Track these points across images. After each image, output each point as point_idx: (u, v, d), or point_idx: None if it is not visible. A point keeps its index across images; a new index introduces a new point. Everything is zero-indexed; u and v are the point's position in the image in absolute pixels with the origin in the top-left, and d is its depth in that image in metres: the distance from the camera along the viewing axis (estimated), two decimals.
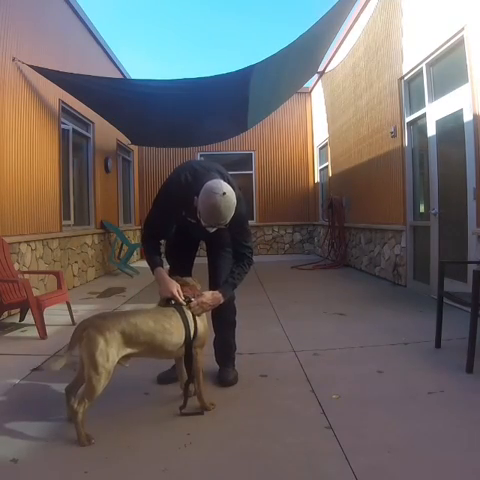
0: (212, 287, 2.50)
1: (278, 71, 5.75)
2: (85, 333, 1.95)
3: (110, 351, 1.94)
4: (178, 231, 2.61)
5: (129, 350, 2.02)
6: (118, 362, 2.00)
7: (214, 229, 2.24)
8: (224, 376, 2.57)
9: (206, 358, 2.55)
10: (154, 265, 2.33)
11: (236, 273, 2.39)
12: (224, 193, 2.08)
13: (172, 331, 2.11)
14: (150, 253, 2.38)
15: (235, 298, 2.66)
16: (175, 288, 2.23)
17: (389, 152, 6.12)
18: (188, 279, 2.41)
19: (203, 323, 2.27)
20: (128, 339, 2.00)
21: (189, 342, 2.15)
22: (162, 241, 2.47)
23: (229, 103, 6.27)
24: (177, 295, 2.22)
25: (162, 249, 2.46)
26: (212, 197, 2.08)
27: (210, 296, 2.29)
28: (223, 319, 2.61)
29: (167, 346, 2.12)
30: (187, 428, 2.07)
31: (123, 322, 2.02)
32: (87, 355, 1.92)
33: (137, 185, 10.95)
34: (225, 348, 2.65)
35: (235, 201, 2.14)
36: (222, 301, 2.32)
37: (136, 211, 10.70)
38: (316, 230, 11.07)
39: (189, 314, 2.20)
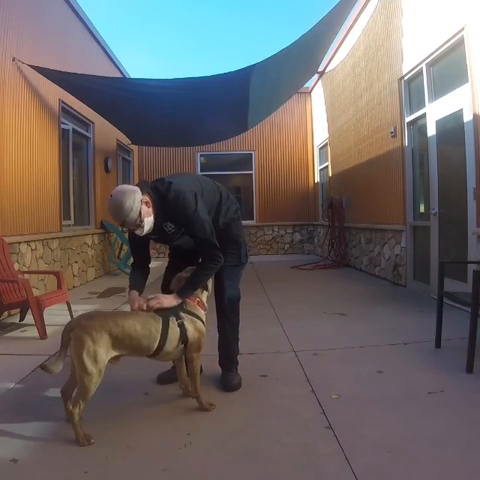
0: (216, 286, 2.57)
1: (278, 71, 5.75)
2: (72, 334, 1.94)
3: (98, 350, 1.92)
4: (171, 249, 2.76)
5: (116, 352, 2.01)
6: (109, 361, 1.99)
7: (145, 232, 2.27)
8: (228, 380, 2.56)
9: (209, 359, 2.56)
10: (129, 289, 2.45)
11: (195, 274, 2.34)
12: (111, 195, 2.19)
13: (157, 337, 2.10)
14: (129, 280, 2.49)
15: (239, 299, 2.65)
16: (136, 304, 2.28)
17: (389, 152, 6.12)
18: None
19: (196, 328, 2.23)
20: (115, 340, 1.99)
21: (158, 350, 2.12)
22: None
23: (229, 103, 6.27)
24: (135, 308, 2.27)
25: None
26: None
27: (162, 297, 2.29)
28: (225, 319, 2.60)
29: (152, 351, 2.11)
30: (187, 428, 2.07)
31: (111, 323, 2.00)
32: (75, 356, 1.92)
33: None
34: (227, 351, 2.63)
35: (124, 200, 2.14)
36: (174, 302, 2.25)
37: None
38: (316, 230, 11.07)
39: (173, 325, 2.16)
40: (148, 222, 2.25)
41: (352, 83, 7.75)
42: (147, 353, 2.13)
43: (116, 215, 2.17)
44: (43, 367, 2.06)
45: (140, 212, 2.18)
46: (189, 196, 2.29)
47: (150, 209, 2.25)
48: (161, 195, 2.30)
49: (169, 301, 2.24)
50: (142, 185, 2.32)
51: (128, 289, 2.45)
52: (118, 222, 2.20)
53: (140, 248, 2.55)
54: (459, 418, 2.10)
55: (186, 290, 2.30)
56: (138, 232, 2.27)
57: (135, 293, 2.38)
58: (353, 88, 7.70)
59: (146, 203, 2.23)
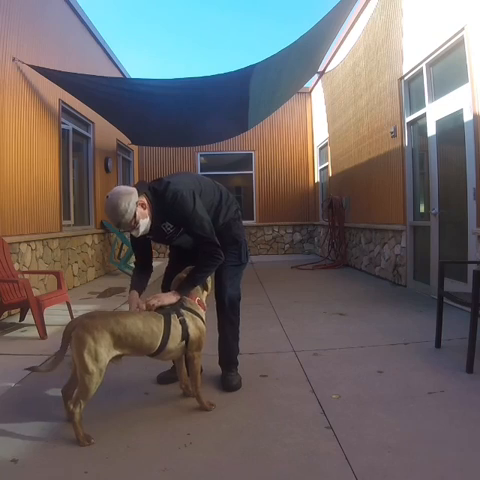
0: (216, 286, 2.57)
1: (278, 71, 5.75)
2: (73, 333, 1.94)
3: (99, 350, 1.92)
4: (171, 249, 2.76)
5: (118, 351, 2.01)
6: (110, 361, 1.99)
7: (140, 233, 2.28)
8: (228, 380, 2.56)
9: (210, 359, 2.56)
10: (130, 289, 2.47)
11: (196, 270, 2.34)
12: (107, 196, 2.20)
13: (159, 335, 2.10)
14: (131, 281, 2.52)
15: (240, 299, 2.65)
16: (134, 305, 2.31)
17: (389, 152, 6.12)
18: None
19: (197, 326, 2.23)
20: (117, 339, 1.98)
21: (160, 349, 2.12)
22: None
23: (229, 103, 6.27)
24: (134, 308, 2.29)
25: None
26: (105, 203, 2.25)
27: (162, 295, 2.30)
28: (225, 319, 2.60)
29: (154, 349, 2.11)
30: (187, 428, 2.07)
31: (112, 322, 2.00)
32: (76, 355, 1.92)
33: None
34: (228, 351, 2.63)
35: (119, 202, 2.14)
36: (174, 299, 2.26)
37: None
38: (316, 230, 11.07)
39: (174, 322, 2.16)
40: (143, 224, 2.25)
41: (352, 83, 7.75)
42: (149, 352, 2.13)
43: (111, 216, 2.19)
44: (32, 368, 2.09)
45: (135, 214, 2.18)
46: (187, 195, 2.29)
47: (146, 211, 2.26)
48: (159, 195, 2.30)
49: (169, 298, 2.26)
50: (140, 186, 2.32)
51: (129, 289, 2.46)
52: (113, 223, 2.21)
53: (142, 248, 2.57)
54: (459, 418, 2.10)
55: (186, 287, 2.31)
56: (134, 233, 2.28)
57: (135, 293, 2.39)
58: (353, 88, 7.70)
59: (142, 205, 2.23)
